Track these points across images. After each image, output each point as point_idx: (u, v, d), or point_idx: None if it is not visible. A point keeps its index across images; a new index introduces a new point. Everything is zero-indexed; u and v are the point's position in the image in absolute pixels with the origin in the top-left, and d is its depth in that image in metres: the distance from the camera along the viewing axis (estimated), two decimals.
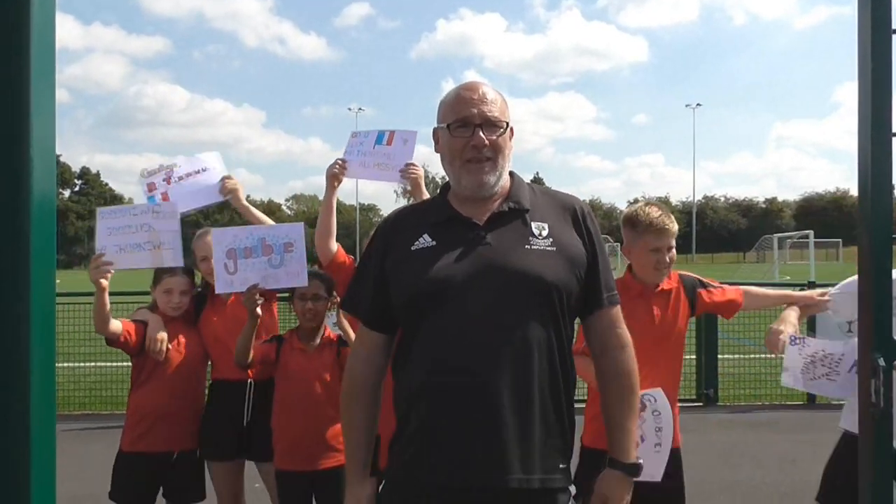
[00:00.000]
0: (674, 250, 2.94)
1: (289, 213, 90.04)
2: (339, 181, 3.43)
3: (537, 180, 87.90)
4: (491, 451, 1.77)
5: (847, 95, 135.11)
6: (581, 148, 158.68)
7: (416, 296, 1.86)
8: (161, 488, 3.39)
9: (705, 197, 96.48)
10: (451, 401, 1.79)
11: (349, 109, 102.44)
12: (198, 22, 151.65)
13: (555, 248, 1.89)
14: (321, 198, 3.62)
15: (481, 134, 1.90)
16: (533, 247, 1.87)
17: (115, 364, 8.16)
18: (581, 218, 1.98)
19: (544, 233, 1.91)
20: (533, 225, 1.92)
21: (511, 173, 2.01)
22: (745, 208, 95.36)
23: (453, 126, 1.92)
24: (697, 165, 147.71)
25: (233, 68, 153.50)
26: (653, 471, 2.66)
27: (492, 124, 1.92)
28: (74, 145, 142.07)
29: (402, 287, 1.89)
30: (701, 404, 7.63)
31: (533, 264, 1.85)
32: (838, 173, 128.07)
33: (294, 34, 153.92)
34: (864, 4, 1.59)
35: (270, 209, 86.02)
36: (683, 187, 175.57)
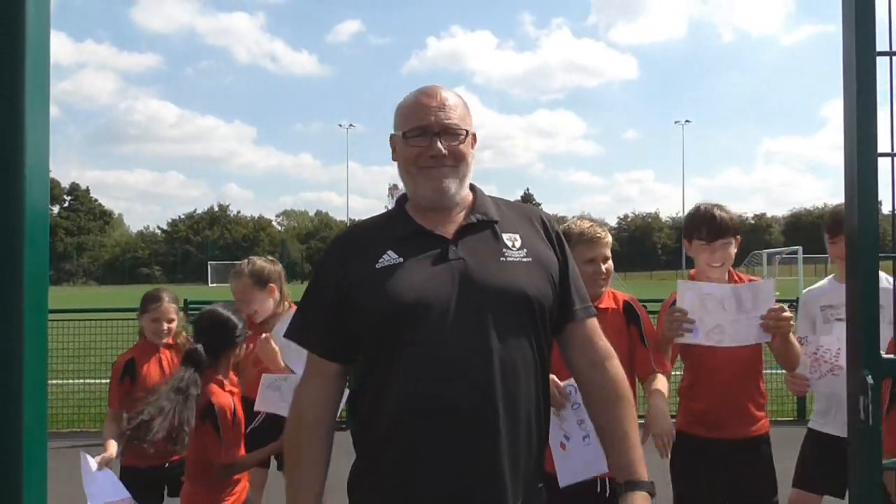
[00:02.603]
0: (610, 262, 2.87)
1: (279, 228, 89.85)
2: None
3: (528, 195, 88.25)
4: (487, 481, 1.64)
5: (834, 111, 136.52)
6: (571, 164, 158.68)
7: (386, 318, 1.68)
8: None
9: None
10: (435, 430, 1.63)
11: (340, 125, 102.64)
12: (190, 38, 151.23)
13: (530, 259, 1.76)
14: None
15: (439, 144, 1.76)
16: (508, 259, 1.74)
17: (104, 381, 8.09)
18: (548, 226, 1.88)
19: (517, 244, 1.78)
20: (504, 236, 1.78)
21: (472, 186, 1.88)
22: None
23: (409, 134, 1.78)
24: (687, 181, 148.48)
25: (224, 84, 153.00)
26: (599, 465, 2.32)
27: (451, 132, 1.78)
28: (65, 161, 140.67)
29: (369, 309, 1.70)
30: None
31: (512, 278, 1.71)
32: (826, 189, 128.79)
33: (285, 51, 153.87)
34: (849, 25, 1.61)
35: (261, 224, 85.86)
36: (673, 203, 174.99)
